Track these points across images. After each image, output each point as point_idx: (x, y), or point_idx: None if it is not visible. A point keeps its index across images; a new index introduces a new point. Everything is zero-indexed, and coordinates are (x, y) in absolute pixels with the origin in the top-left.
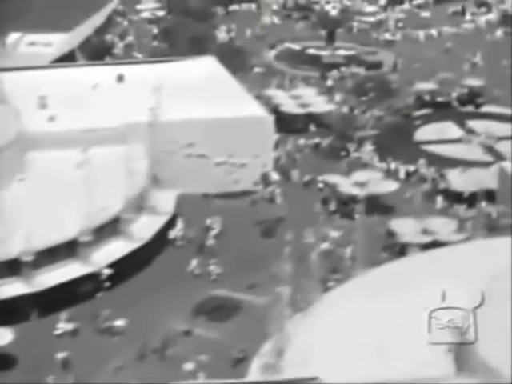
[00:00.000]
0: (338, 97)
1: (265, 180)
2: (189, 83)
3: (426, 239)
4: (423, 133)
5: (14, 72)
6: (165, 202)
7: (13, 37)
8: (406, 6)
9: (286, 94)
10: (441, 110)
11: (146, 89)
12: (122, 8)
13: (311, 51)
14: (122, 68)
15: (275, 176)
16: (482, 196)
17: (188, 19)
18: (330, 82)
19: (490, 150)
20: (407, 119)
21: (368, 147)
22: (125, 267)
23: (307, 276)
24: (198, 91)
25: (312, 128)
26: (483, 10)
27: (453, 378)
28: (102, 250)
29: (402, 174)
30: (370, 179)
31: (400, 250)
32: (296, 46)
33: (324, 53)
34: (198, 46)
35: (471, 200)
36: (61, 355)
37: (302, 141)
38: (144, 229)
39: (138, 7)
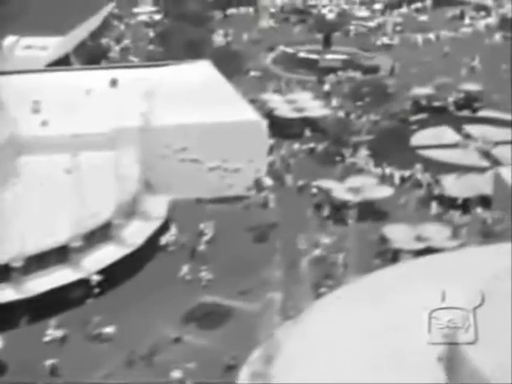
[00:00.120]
0: (334, 101)
1: (258, 185)
2: (183, 87)
3: (420, 246)
4: (419, 138)
5: (8, 76)
6: (157, 207)
7: (9, 40)
8: (404, 9)
9: (281, 98)
10: (437, 114)
11: (140, 93)
12: (119, 11)
13: (302, 54)
14: (117, 72)
15: (268, 181)
16: (476, 202)
17: (185, 23)
18: (327, 87)
19: (486, 155)
20: (403, 124)
21: (363, 152)
22: (116, 273)
23: (299, 282)
24: (192, 95)
25: (307, 133)
26: (482, 14)
27: None
28: (93, 255)
29: (397, 180)
30: (365, 185)
31: (392, 256)
32: (290, 49)
33: (315, 56)
34: (194, 50)
35: (466, 206)
36: (49, 362)
37: (296, 145)
38: (135, 234)
39: (135, 10)
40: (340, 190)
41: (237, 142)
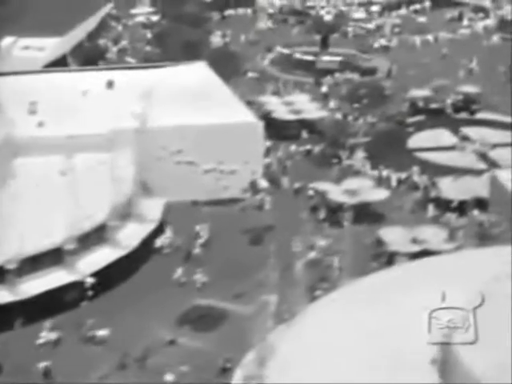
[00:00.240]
0: (332, 103)
1: (253, 187)
2: (179, 89)
3: (415, 248)
4: (417, 140)
5: (5, 77)
6: (153, 209)
7: (7, 41)
8: (402, 11)
9: (278, 100)
10: (435, 116)
11: (136, 95)
12: (117, 12)
13: (297, 55)
14: (113, 73)
15: (264, 183)
16: (472, 204)
17: (182, 24)
18: (324, 88)
19: (483, 157)
20: (400, 126)
21: (360, 154)
22: (111, 275)
23: (294, 285)
24: (189, 97)
25: (304, 135)
26: (481, 15)
27: None
28: (88, 257)
29: (393, 182)
30: (361, 187)
31: (388, 259)
32: (286, 51)
33: (310, 58)
34: (191, 51)
35: (462, 208)
36: (42, 364)
37: (293, 147)
38: (130, 236)
39: (132, 12)
40: (336, 193)
41: (233, 143)
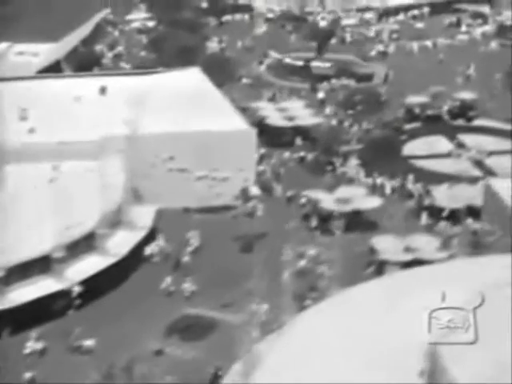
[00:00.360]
0: (328, 109)
1: (244, 195)
2: (172, 95)
3: (407, 257)
4: (412, 147)
5: None
6: (143, 216)
7: (2, 46)
8: (400, 17)
9: (272, 106)
10: (431, 123)
11: (129, 101)
12: (113, 18)
13: (287, 60)
14: (106, 79)
15: (255, 191)
16: (465, 213)
17: (178, 30)
18: (321, 95)
19: (480, 164)
20: (396, 133)
21: (354, 162)
22: (99, 284)
23: (284, 294)
24: (182, 103)
25: (299, 141)
26: (479, 21)
27: None
28: (76, 266)
29: (387, 190)
30: (354, 195)
31: (379, 267)
32: (280, 56)
33: (300, 63)
34: (187, 57)
35: (455, 217)
36: (28, 375)
37: (286, 154)
38: (120, 244)
39: (128, 17)
40: (328, 201)
41: (226, 150)
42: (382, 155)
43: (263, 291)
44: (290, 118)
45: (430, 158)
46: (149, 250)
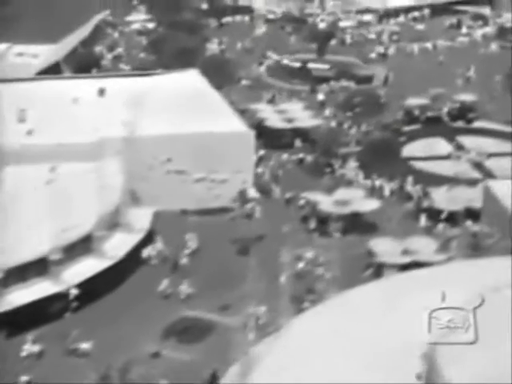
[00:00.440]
0: (327, 111)
1: (242, 197)
2: (171, 97)
3: (406, 259)
4: (411, 149)
5: None
6: (141, 218)
7: (1, 47)
8: (401, 18)
9: (271, 108)
10: (431, 125)
11: (128, 103)
12: (113, 19)
13: (285, 62)
14: (105, 81)
15: (253, 193)
16: (464, 215)
17: (178, 31)
18: (321, 96)
19: (478, 166)
20: (396, 135)
21: (353, 164)
22: (96, 286)
23: (281, 296)
24: (180, 105)
25: (298, 143)
26: (480, 23)
27: None
28: (73, 268)
29: (386, 192)
30: (353, 197)
31: (377, 270)
32: (276, 57)
33: (297, 64)
34: (186, 59)
35: (454, 219)
36: (24, 378)
37: (285, 156)
38: (117, 247)
39: (128, 19)
40: (327, 203)
41: (224, 152)
42: (381, 157)
43: (261, 293)
44: (290, 120)
45: (430, 160)
46: (146, 252)
